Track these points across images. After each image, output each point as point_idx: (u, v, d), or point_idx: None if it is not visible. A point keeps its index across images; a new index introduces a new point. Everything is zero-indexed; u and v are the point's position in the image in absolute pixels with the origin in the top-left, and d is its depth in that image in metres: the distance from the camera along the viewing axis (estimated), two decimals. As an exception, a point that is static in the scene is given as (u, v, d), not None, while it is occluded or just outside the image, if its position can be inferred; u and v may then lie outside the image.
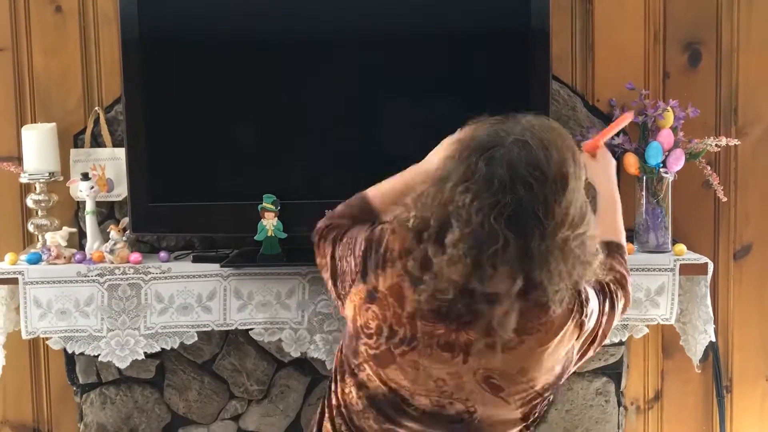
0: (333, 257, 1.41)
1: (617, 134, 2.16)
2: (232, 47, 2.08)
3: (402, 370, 1.29)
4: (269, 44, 2.08)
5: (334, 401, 1.41)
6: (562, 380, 1.39)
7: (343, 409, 1.38)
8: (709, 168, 2.16)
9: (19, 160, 2.21)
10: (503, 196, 1.20)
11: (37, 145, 2.14)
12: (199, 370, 2.28)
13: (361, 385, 1.34)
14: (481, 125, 1.30)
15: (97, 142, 2.23)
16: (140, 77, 2.05)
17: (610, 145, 2.14)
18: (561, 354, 1.34)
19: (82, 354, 2.12)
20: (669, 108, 2.11)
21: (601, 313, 1.41)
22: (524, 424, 1.37)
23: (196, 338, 2.10)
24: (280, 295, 2.07)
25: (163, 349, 2.09)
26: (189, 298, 2.05)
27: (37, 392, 2.34)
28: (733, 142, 2.16)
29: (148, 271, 2.05)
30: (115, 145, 2.21)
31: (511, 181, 1.21)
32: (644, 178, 2.11)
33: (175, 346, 2.09)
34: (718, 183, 2.16)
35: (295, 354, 2.12)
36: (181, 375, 2.27)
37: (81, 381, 2.27)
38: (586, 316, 1.35)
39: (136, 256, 2.06)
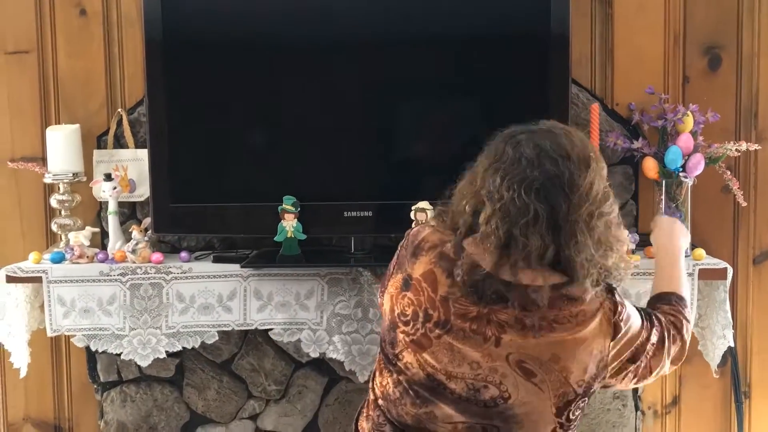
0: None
1: (636, 137, 2.17)
2: (254, 50, 2.10)
3: (439, 352, 1.34)
4: (290, 47, 2.09)
5: (371, 396, 1.47)
6: (596, 384, 1.39)
7: (381, 401, 1.43)
8: (728, 172, 2.15)
9: (43, 160, 2.25)
10: (531, 171, 1.31)
11: (62, 145, 2.17)
12: (218, 370, 2.30)
13: (400, 373, 1.38)
14: (506, 128, 1.41)
15: (119, 143, 2.26)
16: (163, 79, 2.08)
17: (629, 149, 2.15)
18: (594, 351, 1.36)
19: (103, 352, 2.14)
20: (689, 112, 2.11)
21: (645, 333, 1.44)
22: (558, 422, 1.37)
23: (216, 338, 2.12)
24: (300, 296, 2.08)
25: (183, 348, 2.11)
26: (210, 297, 2.07)
27: (58, 390, 2.37)
28: (753, 146, 2.16)
29: (169, 270, 2.07)
30: (138, 146, 2.24)
31: (538, 158, 1.31)
32: (663, 182, 2.10)
33: (196, 346, 2.12)
34: (738, 188, 2.15)
35: (314, 354, 2.14)
36: (200, 374, 2.30)
37: (102, 379, 2.30)
38: (621, 318, 1.39)
39: (157, 256, 2.09)
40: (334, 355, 2.11)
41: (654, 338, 1.46)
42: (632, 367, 1.43)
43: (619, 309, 1.39)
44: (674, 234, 1.76)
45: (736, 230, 2.30)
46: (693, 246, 2.13)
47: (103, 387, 2.31)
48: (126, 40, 2.26)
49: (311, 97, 2.11)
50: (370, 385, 1.50)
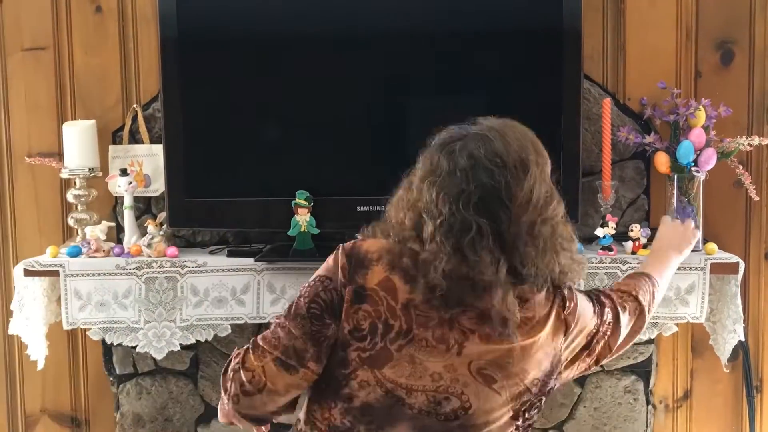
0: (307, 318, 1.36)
1: (648, 132, 2.17)
2: (268, 46, 2.12)
3: (399, 366, 1.28)
4: (304, 43, 2.11)
5: None
6: (552, 380, 1.37)
7: None
8: (741, 167, 2.15)
9: (59, 155, 2.28)
10: (467, 184, 1.26)
11: (78, 141, 2.20)
12: (232, 363, 2.32)
13: (348, 400, 1.31)
14: (444, 130, 1.36)
15: (135, 138, 2.28)
16: (178, 75, 2.10)
17: (641, 143, 2.16)
18: (548, 349, 1.35)
19: (119, 345, 2.17)
20: (701, 107, 2.11)
21: (597, 319, 1.44)
22: (516, 424, 1.36)
23: (229, 331, 2.14)
24: (313, 290, 2.10)
25: (197, 341, 2.14)
26: (223, 291, 2.09)
27: (75, 382, 2.40)
28: (766, 141, 2.16)
29: (184, 264, 2.09)
30: (153, 141, 2.26)
31: (473, 169, 1.27)
32: (675, 176, 2.11)
33: (210, 339, 2.14)
34: (750, 182, 2.15)
35: (327, 348, 2.15)
36: (215, 367, 2.32)
37: (118, 371, 2.33)
38: (570, 313, 1.37)
39: (172, 250, 2.11)
40: (346, 348, 2.12)
41: (608, 317, 1.46)
42: (586, 353, 1.44)
43: (568, 304, 1.37)
44: (685, 238, 1.80)
45: (748, 225, 2.30)
46: (705, 240, 2.14)
47: (119, 379, 2.34)
48: (141, 37, 2.28)
49: (325, 93, 2.12)
50: (303, 422, 1.39)
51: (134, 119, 2.28)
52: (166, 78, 2.11)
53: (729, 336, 2.09)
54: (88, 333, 2.19)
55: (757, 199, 2.20)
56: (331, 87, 2.13)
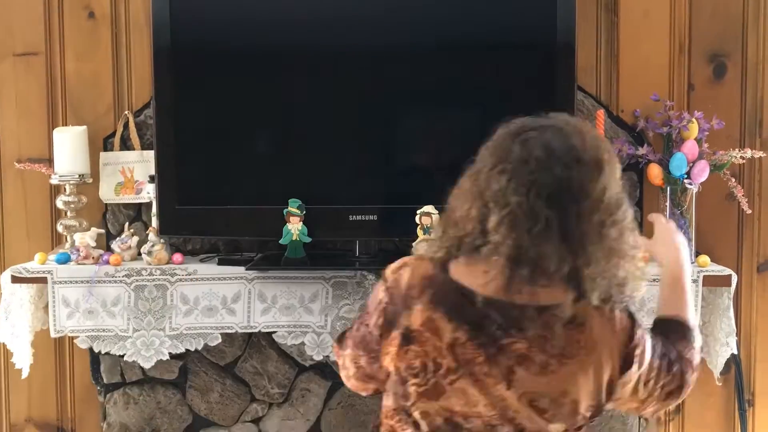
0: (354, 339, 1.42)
1: (641, 144, 2.17)
2: (260, 55, 2.12)
3: (453, 397, 1.28)
4: (296, 52, 2.10)
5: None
6: (604, 405, 1.33)
7: None
8: (733, 180, 2.16)
9: (50, 161, 2.26)
10: (540, 174, 1.21)
11: (68, 147, 2.18)
12: (221, 372, 2.30)
13: (417, 426, 1.32)
14: (513, 121, 1.30)
15: (126, 145, 2.27)
16: (170, 82, 2.09)
17: (634, 155, 2.16)
18: (603, 378, 1.29)
19: (107, 354, 2.15)
20: (694, 119, 2.12)
21: (655, 369, 1.35)
22: None
23: (219, 340, 2.13)
24: (304, 299, 2.09)
25: (187, 350, 2.11)
26: (214, 300, 2.08)
27: (61, 391, 2.37)
28: (758, 154, 2.16)
29: (174, 272, 2.07)
30: (144, 148, 2.24)
31: (548, 160, 1.21)
32: (668, 189, 2.11)
33: (200, 348, 2.12)
34: (743, 195, 2.16)
35: (318, 357, 2.14)
36: (204, 377, 2.30)
37: (105, 381, 2.30)
38: (635, 349, 1.29)
39: (177, 256, 2.10)
40: (337, 359, 2.11)
41: (662, 380, 1.37)
42: (636, 397, 1.36)
43: (635, 341, 1.30)
44: (673, 246, 1.56)
45: (741, 237, 2.30)
46: (697, 252, 2.14)
47: (106, 389, 2.31)
48: (134, 44, 2.27)
49: (317, 102, 2.12)
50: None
51: (126, 126, 2.26)
52: (158, 85, 2.10)
53: (721, 349, 2.08)
54: (76, 341, 2.16)
55: (749, 212, 2.20)
56: (324, 96, 2.12)
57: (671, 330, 1.43)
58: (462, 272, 1.28)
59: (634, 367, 1.30)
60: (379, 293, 1.34)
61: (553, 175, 1.21)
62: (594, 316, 1.26)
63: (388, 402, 1.37)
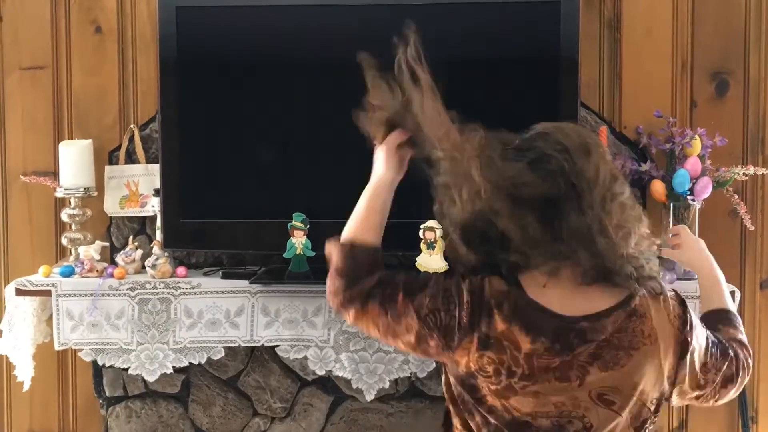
0: (422, 316, 1.37)
1: (644, 160, 2.18)
2: (266, 70, 2.13)
3: (524, 399, 1.32)
4: (300, 66, 2.12)
5: None
6: (667, 399, 1.39)
7: None
8: (736, 196, 2.16)
9: (55, 174, 2.27)
10: (538, 176, 1.28)
11: (74, 160, 2.20)
12: (223, 386, 2.30)
13: (485, 419, 1.36)
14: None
15: (131, 159, 2.28)
16: (176, 96, 2.11)
17: (637, 171, 2.17)
18: (666, 369, 1.35)
19: (110, 367, 2.15)
20: (696, 136, 2.13)
21: (713, 355, 1.41)
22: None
23: (223, 353, 2.12)
24: (307, 313, 2.09)
25: (190, 363, 2.11)
26: (217, 313, 2.08)
27: (63, 404, 2.37)
28: (761, 171, 2.17)
29: (178, 286, 2.08)
30: (149, 162, 2.26)
31: (540, 161, 1.30)
32: (671, 205, 2.11)
33: (203, 361, 2.12)
34: (746, 212, 2.16)
35: (321, 372, 2.13)
36: (206, 390, 2.30)
37: (107, 394, 2.30)
38: (689, 334, 1.36)
39: (181, 269, 2.11)
40: (340, 373, 2.11)
41: (719, 363, 1.42)
42: (696, 388, 1.42)
43: (688, 326, 1.36)
44: (700, 249, 1.75)
45: (744, 254, 2.31)
46: (700, 269, 2.13)
47: (109, 402, 2.30)
48: (140, 58, 2.29)
49: (322, 116, 2.13)
50: (453, 422, 1.43)
51: (131, 139, 2.28)
52: (164, 99, 2.11)
53: (725, 366, 2.08)
54: (80, 354, 2.16)
55: (752, 228, 2.20)
56: (329, 110, 2.13)
57: (719, 320, 1.55)
58: (529, 285, 1.33)
59: (691, 350, 1.36)
60: (461, 290, 1.34)
61: (548, 171, 1.29)
62: (651, 306, 1.34)
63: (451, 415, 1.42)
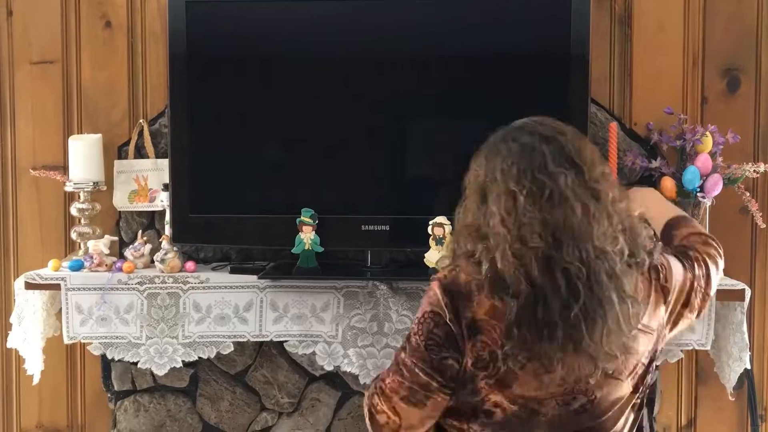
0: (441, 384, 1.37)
1: (654, 157, 2.17)
2: (275, 65, 2.13)
3: (525, 382, 1.32)
4: (311, 62, 2.12)
5: None
6: (659, 345, 1.43)
7: None
8: (747, 194, 2.15)
9: (64, 169, 2.27)
10: (534, 166, 1.32)
11: (83, 155, 2.20)
12: (231, 381, 2.30)
13: (489, 415, 1.35)
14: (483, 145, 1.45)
15: (140, 153, 2.28)
16: (185, 91, 2.11)
17: (647, 168, 2.16)
18: (654, 323, 1.39)
19: (119, 361, 2.15)
20: (708, 133, 2.11)
21: (690, 275, 1.47)
22: (636, 396, 1.41)
23: (232, 348, 2.13)
24: (315, 309, 2.09)
25: (199, 357, 2.12)
26: (226, 308, 2.08)
27: (72, 398, 2.38)
28: (773, 168, 2.16)
29: (186, 280, 2.08)
30: (158, 156, 2.26)
31: (539, 140, 1.36)
32: (681, 202, 2.10)
33: (212, 356, 2.12)
34: (757, 209, 2.15)
35: (329, 367, 2.13)
36: (214, 385, 2.30)
37: (116, 388, 2.31)
38: (666, 281, 1.41)
39: (190, 264, 2.11)
40: (348, 369, 2.11)
41: (700, 271, 1.49)
42: (687, 310, 1.47)
43: (662, 273, 1.40)
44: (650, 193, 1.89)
45: (754, 251, 2.29)
46: (711, 266, 2.12)
47: (117, 396, 2.31)
48: (149, 53, 2.29)
49: (332, 111, 2.13)
50: None
51: (140, 134, 2.28)
52: (173, 94, 2.11)
53: (735, 364, 2.07)
54: (88, 348, 2.17)
55: (763, 226, 2.19)
56: (339, 106, 2.13)
57: (673, 228, 1.66)
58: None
59: (671, 292, 1.41)
60: (434, 296, 1.35)
61: (549, 148, 1.34)
62: (637, 277, 1.35)
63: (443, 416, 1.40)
